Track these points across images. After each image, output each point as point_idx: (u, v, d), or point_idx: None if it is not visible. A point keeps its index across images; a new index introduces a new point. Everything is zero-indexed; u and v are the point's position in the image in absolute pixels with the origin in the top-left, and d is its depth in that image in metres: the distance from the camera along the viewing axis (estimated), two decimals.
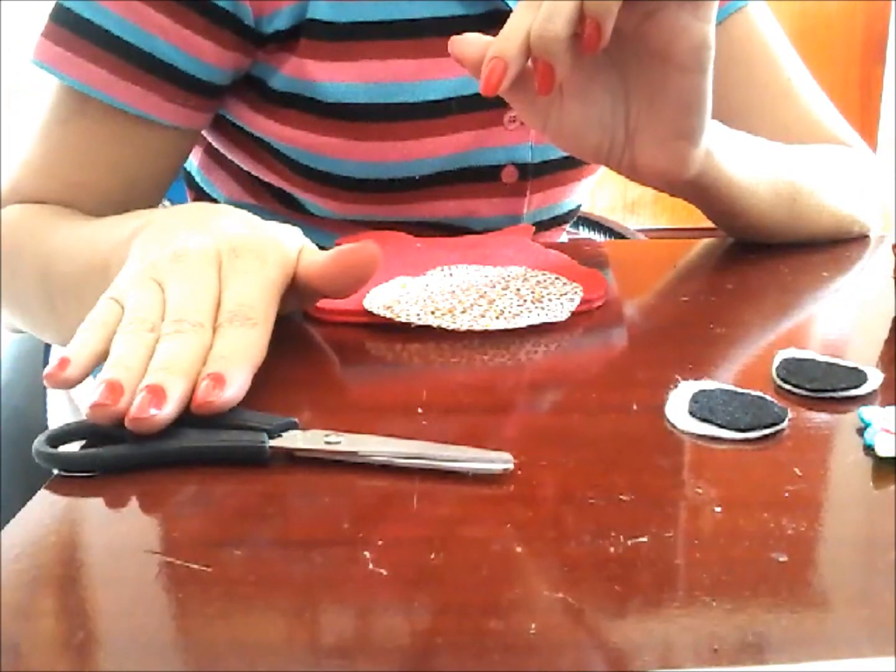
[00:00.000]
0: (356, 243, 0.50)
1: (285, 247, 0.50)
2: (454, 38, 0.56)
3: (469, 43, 0.55)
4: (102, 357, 0.44)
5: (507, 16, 0.72)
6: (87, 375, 0.45)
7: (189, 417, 0.42)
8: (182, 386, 0.42)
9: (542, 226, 0.83)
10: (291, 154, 0.74)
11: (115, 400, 0.41)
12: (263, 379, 0.45)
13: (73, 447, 0.42)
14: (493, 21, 0.72)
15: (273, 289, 0.48)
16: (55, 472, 0.41)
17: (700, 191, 0.64)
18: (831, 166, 0.75)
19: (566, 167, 0.80)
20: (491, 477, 0.39)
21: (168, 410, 0.41)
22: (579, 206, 0.88)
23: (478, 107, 0.73)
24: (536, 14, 0.53)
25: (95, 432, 0.42)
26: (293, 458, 0.41)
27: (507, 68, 0.53)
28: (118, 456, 0.40)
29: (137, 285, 0.47)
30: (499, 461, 0.39)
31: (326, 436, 0.41)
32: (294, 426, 0.42)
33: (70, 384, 0.44)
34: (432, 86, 0.71)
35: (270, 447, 0.40)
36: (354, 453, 0.40)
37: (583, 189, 0.85)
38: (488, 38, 0.55)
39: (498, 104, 0.72)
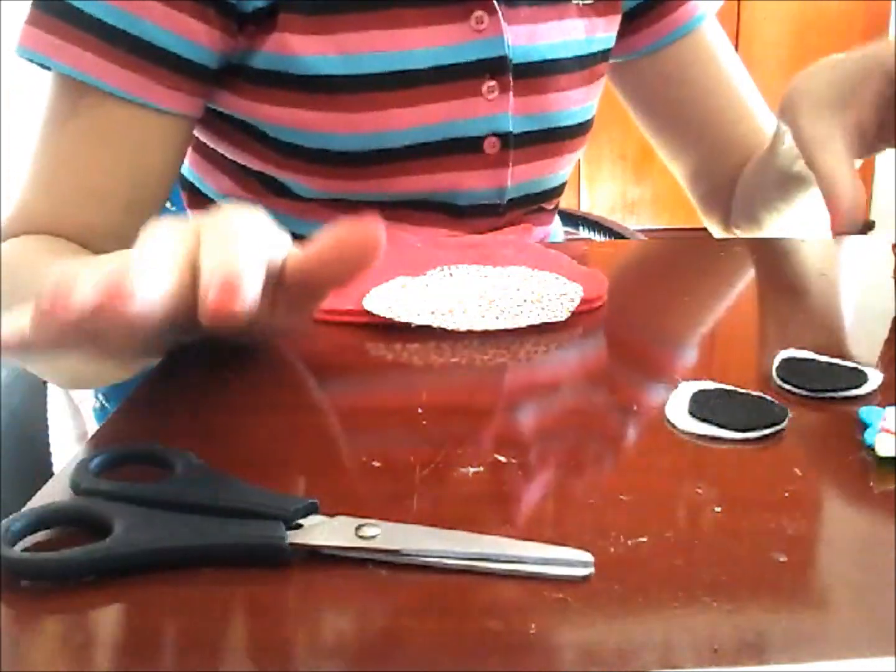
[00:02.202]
0: (352, 223, 0.44)
1: (272, 233, 0.45)
2: None
3: None
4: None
5: None
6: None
7: (181, 501, 0.35)
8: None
9: (529, 200, 0.83)
10: (275, 133, 0.74)
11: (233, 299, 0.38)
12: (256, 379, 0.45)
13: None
14: None
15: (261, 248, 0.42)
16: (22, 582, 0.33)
17: None
18: None
19: (548, 140, 0.80)
20: (491, 477, 0.39)
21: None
22: (564, 183, 0.89)
23: (455, 77, 0.74)
24: None
25: (68, 519, 0.35)
26: (318, 554, 0.34)
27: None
28: (95, 560, 0.33)
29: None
30: (578, 563, 0.33)
31: (359, 526, 0.34)
32: (314, 509, 0.35)
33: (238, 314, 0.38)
34: (408, 56, 0.72)
35: (291, 544, 0.33)
36: (396, 552, 0.33)
37: (567, 164, 0.86)
38: None
39: (475, 74, 0.72)
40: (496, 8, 0.73)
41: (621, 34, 0.85)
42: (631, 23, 0.86)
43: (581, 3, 0.78)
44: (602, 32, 0.82)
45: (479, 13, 0.73)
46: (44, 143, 0.69)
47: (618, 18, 0.83)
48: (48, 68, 0.68)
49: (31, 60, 0.67)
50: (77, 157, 0.68)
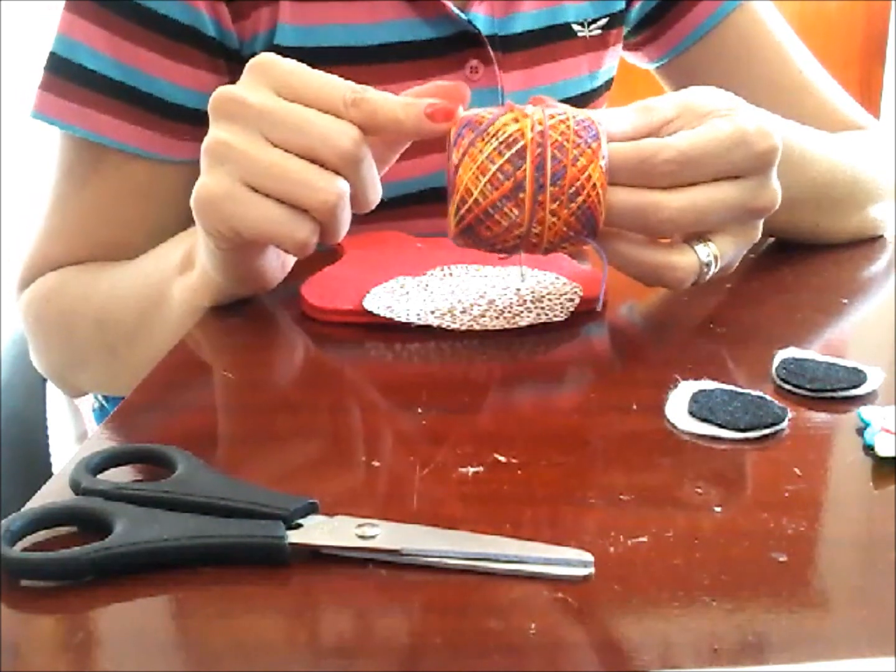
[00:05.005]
0: None
1: None
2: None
3: None
4: None
5: (476, 38, 0.71)
6: None
7: (181, 501, 0.35)
8: None
9: None
10: None
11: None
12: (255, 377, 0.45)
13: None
14: (461, 44, 0.71)
15: None
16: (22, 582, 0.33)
17: None
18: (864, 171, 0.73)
19: None
20: (491, 477, 0.39)
21: None
22: None
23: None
24: None
25: (68, 519, 0.36)
26: (318, 554, 0.34)
27: None
28: (95, 559, 0.33)
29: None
30: (578, 563, 0.33)
31: (359, 526, 0.34)
32: (314, 509, 0.35)
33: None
34: None
35: (290, 544, 0.33)
36: (396, 552, 0.33)
37: None
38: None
39: None
40: (491, 57, 0.71)
41: (643, 42, 0.83)
42: (650, 27, 0.83)
43: (588, 35, 0.77)
44: (607, 64, 0.80)
45: (473, 63, 0.71)
46: (61, 199, 0.69)
47: (620, 45, 0.82)
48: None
49: (49, 124, 0.67)
50: (99, 213, 0.69)
